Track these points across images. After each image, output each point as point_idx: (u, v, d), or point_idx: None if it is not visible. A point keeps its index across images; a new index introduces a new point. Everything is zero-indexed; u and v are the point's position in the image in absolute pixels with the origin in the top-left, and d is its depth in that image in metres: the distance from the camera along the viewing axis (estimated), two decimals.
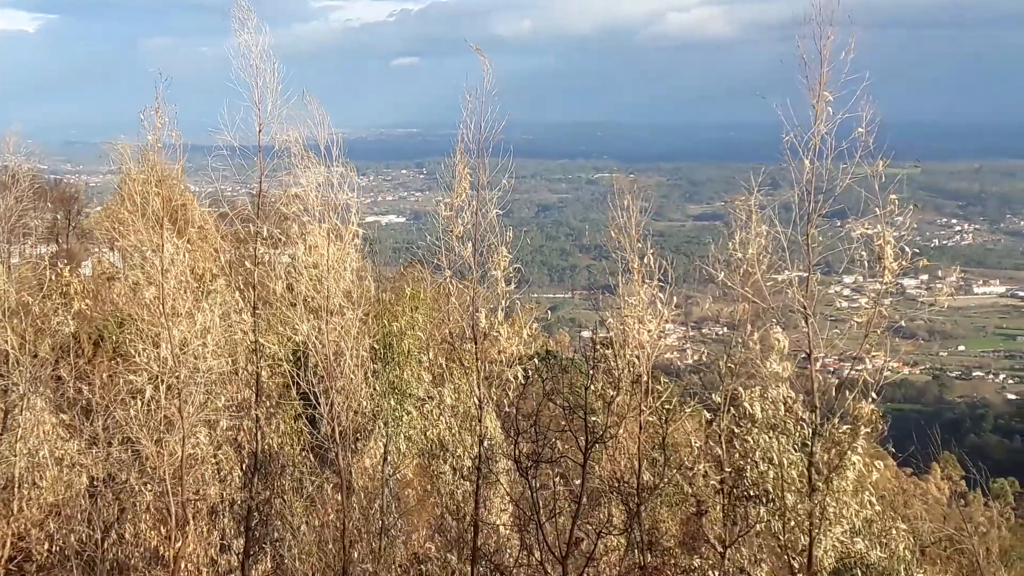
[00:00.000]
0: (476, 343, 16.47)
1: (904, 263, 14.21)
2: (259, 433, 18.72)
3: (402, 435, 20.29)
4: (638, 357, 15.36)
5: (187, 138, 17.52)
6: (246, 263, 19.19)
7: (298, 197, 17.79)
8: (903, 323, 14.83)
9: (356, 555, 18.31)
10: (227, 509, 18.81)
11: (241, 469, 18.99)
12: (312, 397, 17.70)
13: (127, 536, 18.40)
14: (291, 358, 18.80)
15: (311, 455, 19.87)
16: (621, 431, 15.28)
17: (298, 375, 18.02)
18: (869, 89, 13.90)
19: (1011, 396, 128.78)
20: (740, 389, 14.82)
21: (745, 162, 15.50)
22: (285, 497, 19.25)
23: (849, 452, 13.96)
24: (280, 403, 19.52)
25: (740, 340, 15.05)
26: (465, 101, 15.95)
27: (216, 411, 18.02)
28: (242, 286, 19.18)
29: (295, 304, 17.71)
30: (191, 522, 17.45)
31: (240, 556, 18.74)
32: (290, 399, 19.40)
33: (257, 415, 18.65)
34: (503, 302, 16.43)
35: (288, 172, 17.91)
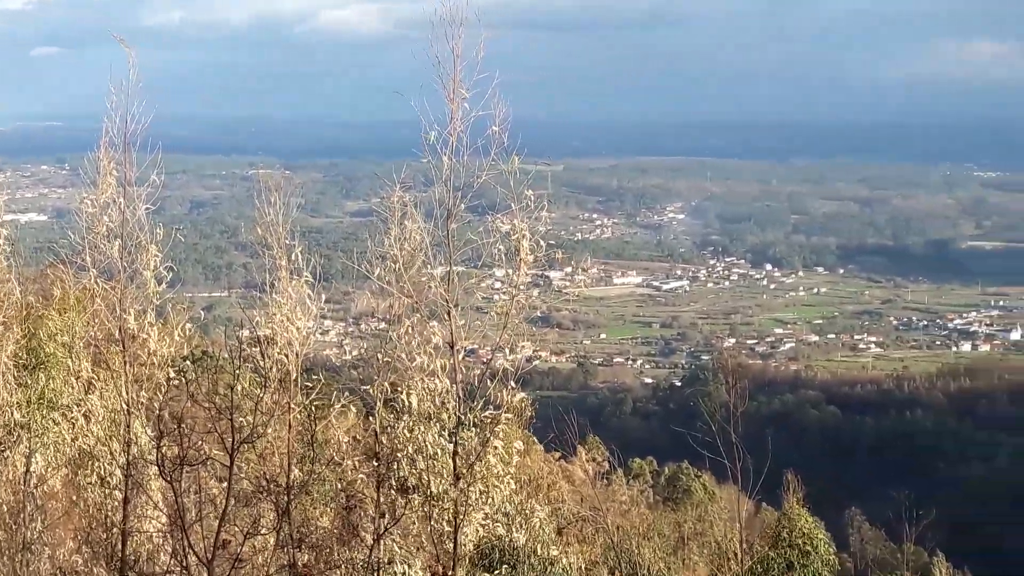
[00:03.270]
0: (124, 346, 15.90)
1: (539, 256, 15.04)
2: None
3: (49, 445, 19.25)
4: (287, 355, 15.36)
5: None
6: None
7: None
8: (544, 313, 15.77)
9: None
10: None
11: None
12: None
13: None
14: None
15: None
16: (271, 430, 15.24)
17: None
18: (504, 89, 14.51)
19: (648, 380, 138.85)
20: (392, 383, 15.18)
21: (403, 159, 15.87)
22: None
23: (492, 439, 14.69)
24: None
25: (394, 334, 15.42)
26: (109, 94, 15.37)
27: None
28: None
29: None
30: None
31: None
32: None
33: None
34: (153, 302, 15.97)
35: None
